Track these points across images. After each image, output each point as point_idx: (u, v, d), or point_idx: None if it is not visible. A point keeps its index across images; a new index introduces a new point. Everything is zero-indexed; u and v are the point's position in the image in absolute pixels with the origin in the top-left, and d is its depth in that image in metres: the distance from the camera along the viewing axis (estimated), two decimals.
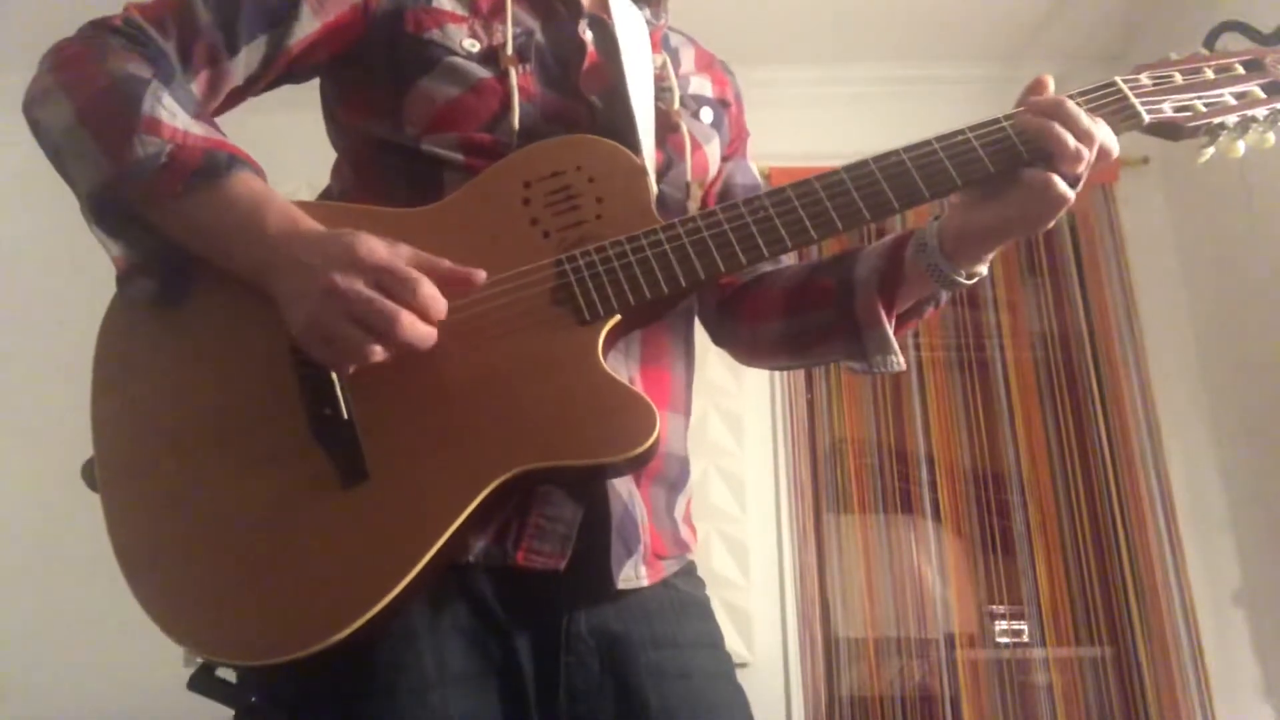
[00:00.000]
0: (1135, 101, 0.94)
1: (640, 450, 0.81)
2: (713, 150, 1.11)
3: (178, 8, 0.92)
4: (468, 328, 0.84)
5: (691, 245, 0.88)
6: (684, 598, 1.00)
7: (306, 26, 0.95)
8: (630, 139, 0.97)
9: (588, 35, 1.03)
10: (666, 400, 1.00)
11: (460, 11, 0.99)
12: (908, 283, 0.98)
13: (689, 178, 1.05)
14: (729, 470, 2.83)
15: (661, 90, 1.06)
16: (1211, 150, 1.00)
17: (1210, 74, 0.99)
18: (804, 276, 1.09)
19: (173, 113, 0.84)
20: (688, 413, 1.05)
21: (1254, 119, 0.97)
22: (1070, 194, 0.88)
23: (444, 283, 0.81)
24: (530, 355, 0.85)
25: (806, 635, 2.70)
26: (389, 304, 0.77)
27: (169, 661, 1.11)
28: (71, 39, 0.92)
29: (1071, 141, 0.87)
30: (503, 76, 0.96)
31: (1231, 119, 0.97)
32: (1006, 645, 2.76)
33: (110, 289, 0.89)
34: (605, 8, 1.06)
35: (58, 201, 0.98)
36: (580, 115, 0.99)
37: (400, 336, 0.77)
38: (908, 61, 3.20)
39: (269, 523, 0.80)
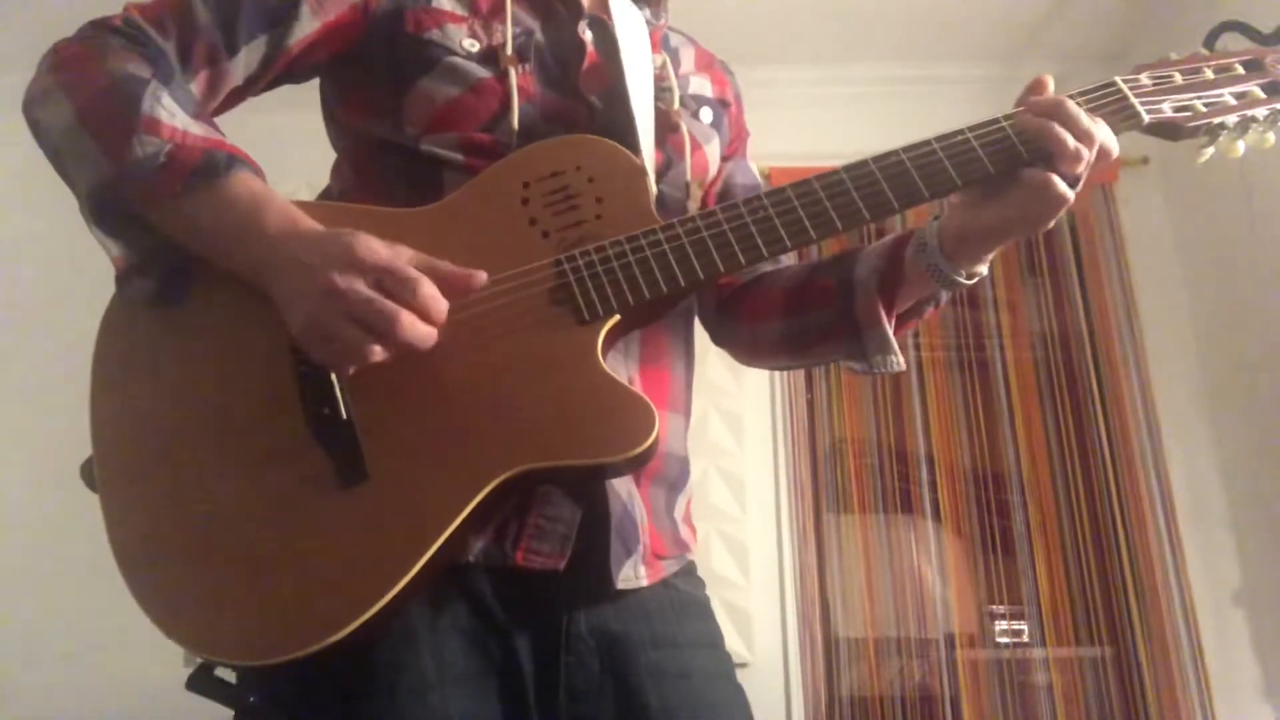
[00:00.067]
0: (1135, 101, 0.94)
1: (640, 450, 0.81)
2: (712, 150, 1.11)
3: (177, 8, 0.92)
4: (467, 328, 0.84)
5: (691, 245, 0.88)
6: (684, 598, 1.00)
7: (306, 26, 0.95)
8: (630, 139, 0.97)
9: (587, 35, 1.03)
10: (666, 400, 1.00)
11: (460, 11, 0.99)
12: (908, 283, 0.98)
13: (689, 178, 1.05)
14: (729, 470, 2.83)
15: (661, 90, 1.06)
16: (1211, 150, 1.00)
17: (1210, 74, 0.99)
18: (804, 276, 1.09)
19: (172, 113, 0.84)
20: (688, 413, 1.05)
21: (1254, 119, 0.97)
22: (1070, 194, 0.88)
23: (444, 284, 0.81)
24: (529, 355, 0.85)
25: (806, 635, 2.70)
26: (389, 304, 0.77)
27: (168, 661, 1.10)
28: (71, 39, 0.92)
29: (1071, 141, 0.87)
30: (502, 76, 0.96)
31: (1231, 119, 0.97)
32: (1006, 645, 2.75)
33: (110, 289, 0.89)
34: (605, 8, 1.06)
35: (58, 201, 0.98)
36: (580, 115, 0.99)
37: (400, 337, 0.77)
38: (908, 61, 3.20)
39: (268, 522, 0.80)
